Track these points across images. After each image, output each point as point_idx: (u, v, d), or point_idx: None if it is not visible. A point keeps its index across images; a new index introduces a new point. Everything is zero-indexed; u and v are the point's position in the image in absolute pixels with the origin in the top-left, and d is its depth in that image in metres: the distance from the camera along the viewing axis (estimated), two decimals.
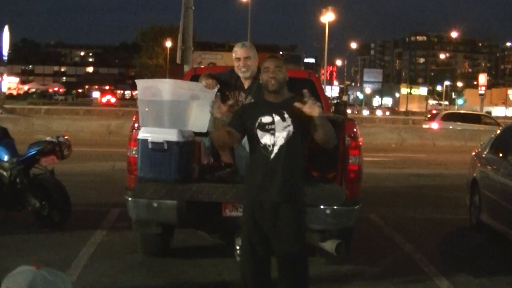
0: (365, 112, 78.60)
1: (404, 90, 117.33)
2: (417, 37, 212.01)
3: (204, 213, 6.18)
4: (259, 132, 4.70)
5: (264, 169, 4.66)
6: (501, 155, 8.83)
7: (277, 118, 4.69)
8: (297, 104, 4.53)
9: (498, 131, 9.83)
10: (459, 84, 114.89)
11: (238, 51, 6.24)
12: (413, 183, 14.61)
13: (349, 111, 49.50)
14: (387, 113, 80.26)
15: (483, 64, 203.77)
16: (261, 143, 4.69)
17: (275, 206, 4.63)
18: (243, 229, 4.83)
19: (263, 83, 4.83)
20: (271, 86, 4.75)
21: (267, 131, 4.68)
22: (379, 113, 75.97)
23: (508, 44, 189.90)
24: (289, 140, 4.65)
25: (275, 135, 4.66)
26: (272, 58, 4.88)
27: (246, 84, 6.27)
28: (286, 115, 4.68)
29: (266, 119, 4.71)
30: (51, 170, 8.35)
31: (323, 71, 66.38)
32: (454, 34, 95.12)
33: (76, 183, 11.40)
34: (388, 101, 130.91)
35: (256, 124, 4.71)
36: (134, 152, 6.13)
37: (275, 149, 4.64)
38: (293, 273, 4.68)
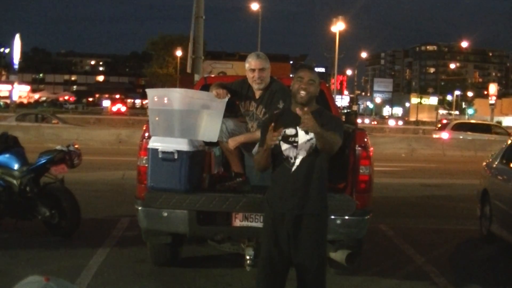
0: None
1: (414, 100, 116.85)
2: (427, 47, 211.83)
3: (214, 223, 6.16)
4: (282, 144, 4.57)
5: (286, 182, 4.56)
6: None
7: (300, 130, 4.55)
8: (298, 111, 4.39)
9: (509, 141, 9.78)
10: (469, 94, 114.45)
11: (253, 62, 6.12)
12: (423, 193, 14.55)
13: (359, 120, 49.37)
14: (400, 122, 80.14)
15: (494, 74, 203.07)
16: (284, 155, 4.57)
17: (297, 219, 4.55)
18: (263, 240, 4.75)
19: (293, 91, 4.67)
20: (300, 98, 4.60)
21: (290, 143, 4.56)
22: (391, 122, 75.85)
23: None
24: (311, 153, 4.53)
25: (298, 148, 4.54)
26: (308, 69, 4.72)
27: (258, 94, 6.22)
28: None
29: (290, 131, 4.57)
30: (61, 179, 8.37)
31: (333, 81, 66.20)
32: (464, 44, 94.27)
33: (86, 192, 11.45)
34: (398, 110, 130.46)
35: (280, 136, 4.57)
36: (144, 161, 6.12)
37: (297, 162, 4.53)
38: (312, 285, 4.62)
